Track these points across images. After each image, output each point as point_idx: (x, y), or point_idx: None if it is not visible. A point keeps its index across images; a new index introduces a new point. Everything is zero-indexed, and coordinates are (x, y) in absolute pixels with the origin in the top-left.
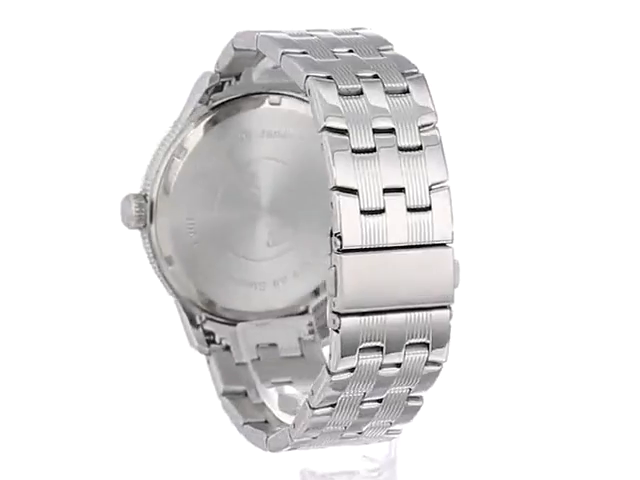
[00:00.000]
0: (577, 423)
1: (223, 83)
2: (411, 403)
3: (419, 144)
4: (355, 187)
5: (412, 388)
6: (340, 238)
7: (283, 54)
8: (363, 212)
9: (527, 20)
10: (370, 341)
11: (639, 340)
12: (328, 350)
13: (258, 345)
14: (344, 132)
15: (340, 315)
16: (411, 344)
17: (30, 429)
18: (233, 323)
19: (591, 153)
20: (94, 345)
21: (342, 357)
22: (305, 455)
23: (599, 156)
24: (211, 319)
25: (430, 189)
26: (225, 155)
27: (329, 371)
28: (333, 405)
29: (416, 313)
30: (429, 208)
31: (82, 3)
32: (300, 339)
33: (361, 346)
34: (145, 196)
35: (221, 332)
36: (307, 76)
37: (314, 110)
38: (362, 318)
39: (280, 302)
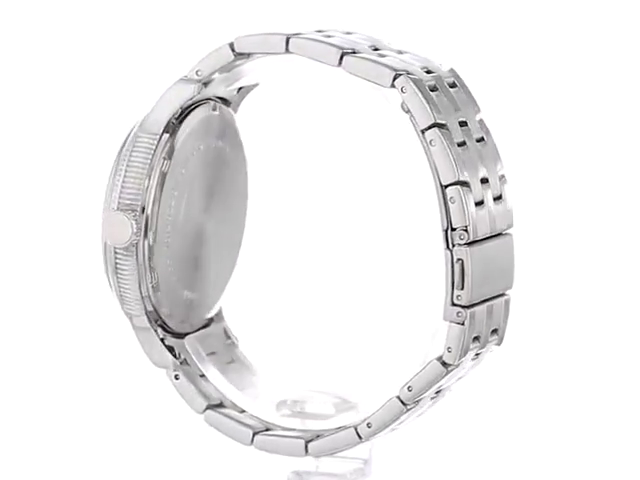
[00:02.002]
0: (564, 426)
1: None
2: (448, 392)
3: (482, 135)
4: (468, 180)
5: (462, 376)
6: (466, 231)
7: (344, 54)
8: (477, 204)
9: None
10: (477, 331)
11: None
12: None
13: (207, 354)
14: (446, 127)
15: (465, 307)
16: (492, 331)
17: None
18: (180, 336)
19: (598, 158)
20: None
21: (463, 349)
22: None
23: (605, 157)
24: (166, 334)
25: (500, 178)
26: (190, 163)
27: (445, 364)
28: (418, 401)
29: (497, 300)
30: (501, 197)
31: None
32: (224, 344)
33: (473, 336)
34: (134, 210)
35: (177, 346)
36: (397, 74)
37: (417, 108)
38: (477, 308)
39: (201, 311)
